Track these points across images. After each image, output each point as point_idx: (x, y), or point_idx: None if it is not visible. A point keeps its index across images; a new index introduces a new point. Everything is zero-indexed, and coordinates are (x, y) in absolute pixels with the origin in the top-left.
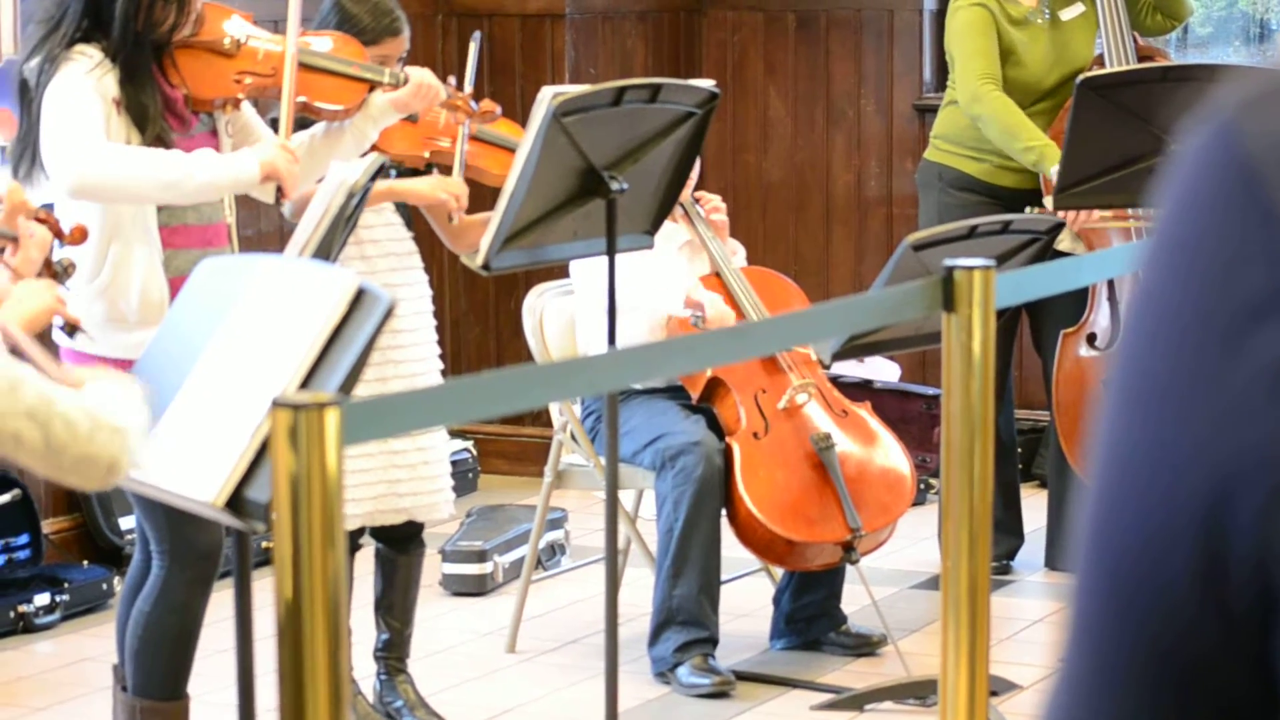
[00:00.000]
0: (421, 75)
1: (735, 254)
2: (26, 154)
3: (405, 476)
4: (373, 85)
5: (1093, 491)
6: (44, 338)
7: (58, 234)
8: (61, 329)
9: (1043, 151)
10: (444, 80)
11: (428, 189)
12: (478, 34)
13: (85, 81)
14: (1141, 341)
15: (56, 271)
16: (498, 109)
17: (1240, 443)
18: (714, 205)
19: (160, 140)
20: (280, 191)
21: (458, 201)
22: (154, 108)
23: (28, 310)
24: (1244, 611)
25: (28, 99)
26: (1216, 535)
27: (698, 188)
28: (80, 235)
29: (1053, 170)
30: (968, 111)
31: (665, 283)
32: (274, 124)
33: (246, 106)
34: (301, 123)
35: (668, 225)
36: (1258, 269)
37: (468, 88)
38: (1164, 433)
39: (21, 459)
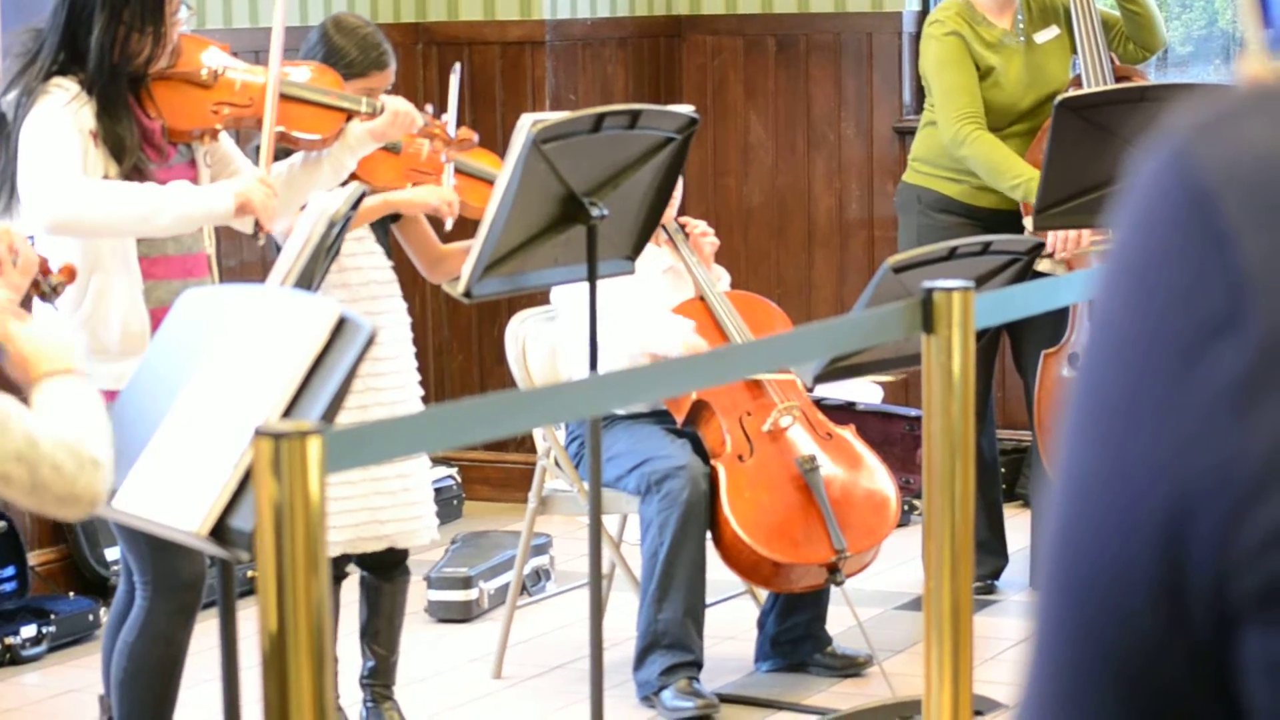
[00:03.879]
0: (398, 104)
1: (720, 280)
2: (5, 187)
3: (387, 504)
4: (350, 114)
5: (1055, 514)
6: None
7: (45, 273)
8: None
9: (1029, 186)
10: (421, 108)
11: (421, 197)
12: (458, 66)
13: (62, 115)
14: (1100, 365)
15: (44, 291)
16: (475, 136)
17: (1199, 464)
18: (702, 230)
19: (138, 171)
20: (258, 225)
21: (450, 208)
22: (131, 139)
23: None
24: (1204, 629)
25: (5, 132)
26: (1176, 556)
27: (680, 212)
28: (69, 275)
29: None
30: (953, 153)
31: (650, 321)
32: (255, 153)
33: (224, 137)
34: (281, 152)
35: (651, 250)
36: (1213, 292)
37: (451, 120)
38: (1124, 455)
39: (7, 495)
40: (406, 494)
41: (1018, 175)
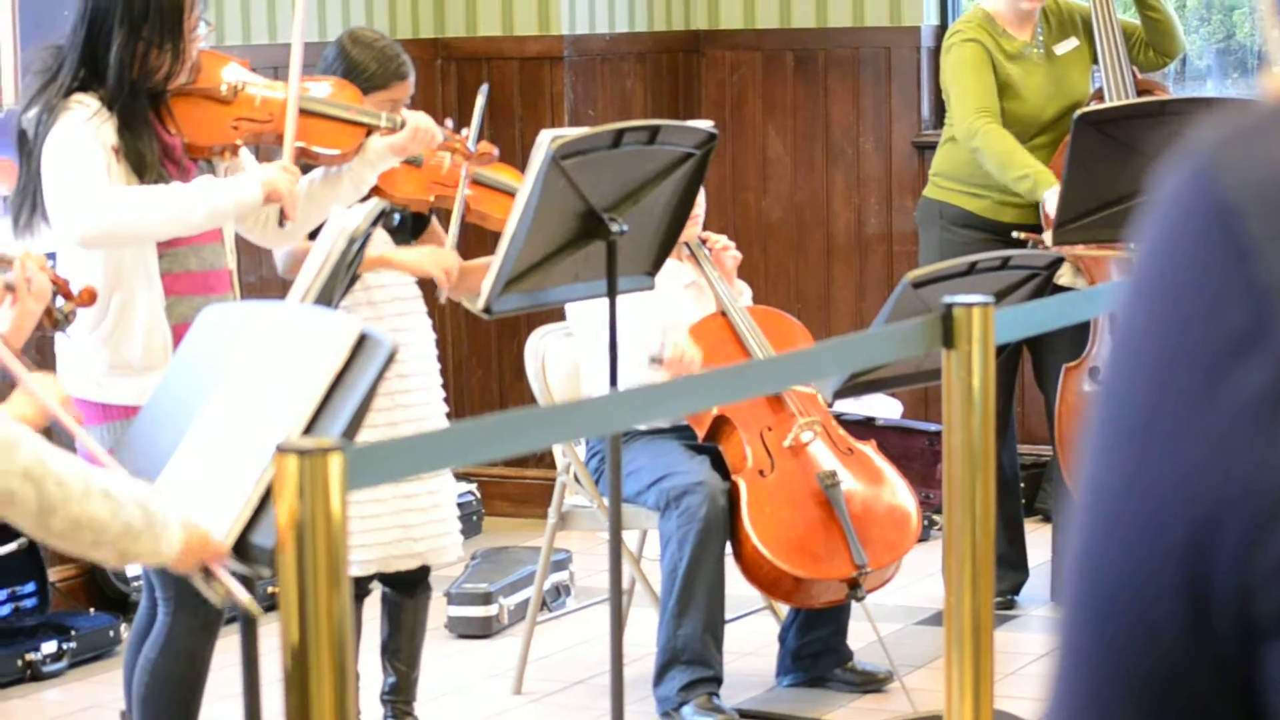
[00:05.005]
0: (418, 119)
1: (741, 295)
2: (26, 204)
3: (418, 521)
4: (370, 129)
5: (1079, 527)
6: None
7: (66, 295)
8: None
9: (1037, 178)
10: (441, 123)
11: (419, 262)
12: (485, 87)
13: (84, 130)
14: (1124, 379)
15: (57, 319)
16: (495, 150)
17: (1224, 477)
18: (724, 244)
19: None
20: (283, 214)
21: (448, 277)
22: (151, 155)
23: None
24: (1229, 644)
25: (27, 149)
26: (1200, 569)
27: (702, 228)
28: (89, 297)
29: (1047, 194)
30: (966, 146)
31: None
32: None
33: (244, 153)
34: (301, 168)
35: (673, 264)
36: (1238, 306)
37: (473, 135)
38: (1148, 468)
39: (13, 518)
40: (437, 510)
41: (1026, 168)
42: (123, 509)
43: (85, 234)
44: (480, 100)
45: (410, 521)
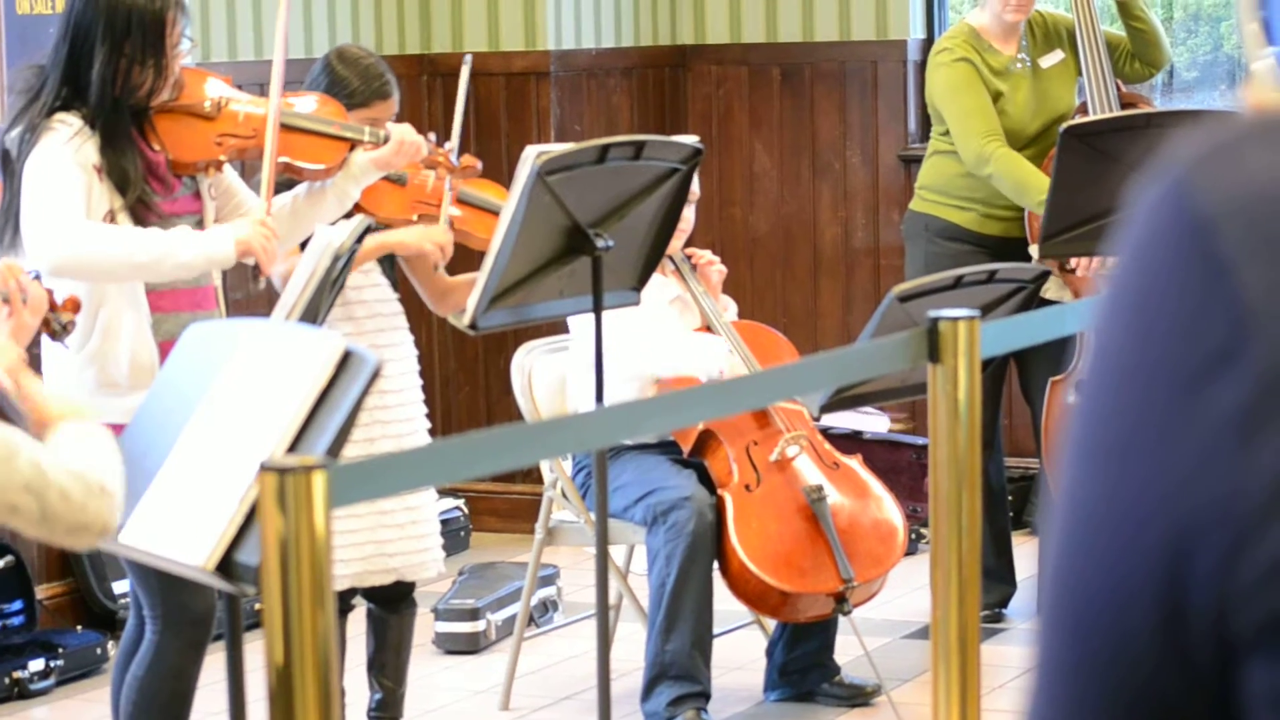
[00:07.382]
0: (403, 132)
1: (726, 310)
2: (10, 224)
3: (394, 536)
4: (354, 144)
5: (1057, 545)
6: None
7: (51, 305)
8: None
9: None
10: (425, 137)
11: (413, 239)
12: (468, 56)
13: (64, 152)
14: (1101, 397)
15: (55, 330)
16: (478, 164)
17: (1201, 497)
18: (708, 259)
19: (142, 204)
20: (257, 268)
21: (443, 252)
22: (134, 172)
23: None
24: (1205, 662)
25: (10, 169)
26: (1177, 587)
27: (689, 243)
28: (74, 306)
29: None
30: (977, 172)
31: (679, 347)
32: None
33: (228, 169)
34: (285, 183)
35: (657, 279)
36: (1214, 323)
37: (456, 128)
38: (1125, 487)
39: (16, 526)
40: (414, 526)
41: (1043, 193)
42: (118, 498)
43: (54, 263)
44: (464, 71)
45: (385, 537)
